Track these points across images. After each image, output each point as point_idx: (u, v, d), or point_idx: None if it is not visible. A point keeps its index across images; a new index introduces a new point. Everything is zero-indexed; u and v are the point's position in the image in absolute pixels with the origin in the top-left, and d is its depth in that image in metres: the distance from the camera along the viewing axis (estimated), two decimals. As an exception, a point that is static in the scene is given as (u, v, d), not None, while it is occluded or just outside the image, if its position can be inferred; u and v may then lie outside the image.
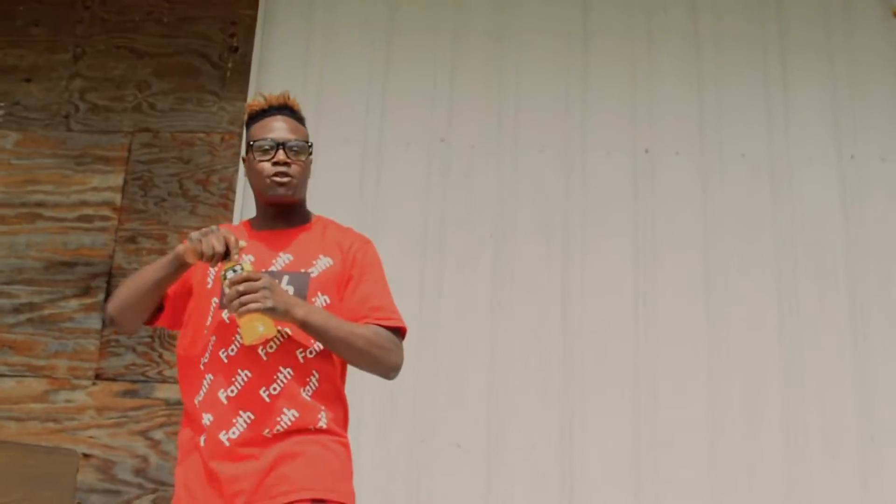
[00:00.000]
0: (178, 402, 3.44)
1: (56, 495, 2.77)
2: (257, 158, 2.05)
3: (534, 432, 3.36)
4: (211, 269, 1.97)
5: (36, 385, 3.55)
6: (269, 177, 2.04)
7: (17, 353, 3.58)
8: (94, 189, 3.73)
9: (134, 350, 3.54)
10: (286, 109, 2.13)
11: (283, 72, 3.79)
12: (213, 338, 1.97)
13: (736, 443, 3.32)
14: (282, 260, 2.04)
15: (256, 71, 3.76)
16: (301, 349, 1.95)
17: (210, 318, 1.99)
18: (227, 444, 1.88)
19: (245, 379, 1.91)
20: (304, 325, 1.88)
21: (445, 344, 3.48)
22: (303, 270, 2.01)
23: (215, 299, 1.99)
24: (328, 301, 2.01)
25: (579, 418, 3.37)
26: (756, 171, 3.59)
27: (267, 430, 1.88)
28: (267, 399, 1.89)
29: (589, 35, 3.80)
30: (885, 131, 3.62)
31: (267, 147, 2.05)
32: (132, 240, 3.66)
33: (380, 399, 3.35)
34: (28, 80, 3.89)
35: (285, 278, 1.98)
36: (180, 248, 1.91)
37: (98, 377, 3.53)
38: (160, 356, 3.52)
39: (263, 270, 1.95)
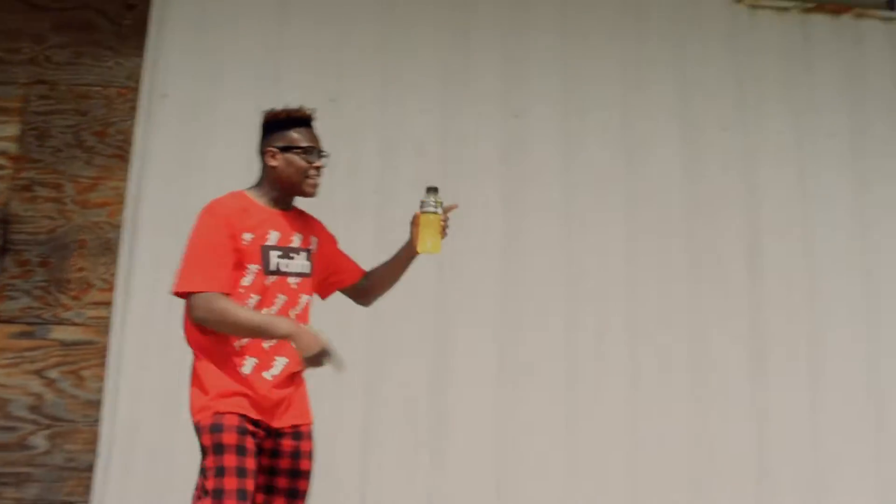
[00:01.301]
0: (74, 343, 3.62)
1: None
2: (303, 160, 2.54)
3: (409, 365, 3.70)
4: (245, 237, 2.43)
5: (-70, 327, 3.64)
6: (309, 178, 2.55)
7: (-88, 297, 3.66)
8: (-10, 138, 3.83)
9: (29, 294, 3.67)
10: (311, 121, 2.62)
11: (180, 29, 3.94)
12: (257, 297, 2.44)
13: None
14: (296, 239, 2.57)
15: (155, 28, 3.92)
16: (307, 314, 2.57)
17: (252, 280, 2.45)
18: (270, 379, 2.44)
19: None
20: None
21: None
22: (308, 248, 2.60)
23: (255, 266, 2.44)
24: (316, 269, 2.62)
25: (452, 346, 3.74)
26: (612, 139, 4.02)
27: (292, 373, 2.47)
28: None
29: (469, 10, 4.12)
30: (726, 104, 4.12)
31: (312, 154, 2.55)
32: (28, 188, 3.78)
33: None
34: (-79, 30, 3.93)
35: (303, 253, 2.56)
36: (294, 340, 2.31)
37: (-7, 319, 3.65)
38: (56, 300, 3.66)
39: (287, 245, 2.52)
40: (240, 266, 2.42)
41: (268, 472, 2.46)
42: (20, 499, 3.50)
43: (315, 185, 2.57)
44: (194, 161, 3.82)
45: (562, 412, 3.72)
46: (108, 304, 3.67)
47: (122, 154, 3.83)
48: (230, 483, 2.27)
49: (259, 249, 2.45)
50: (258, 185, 2.59)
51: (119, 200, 3.78)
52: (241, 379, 2.39)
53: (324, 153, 2.59)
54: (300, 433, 2.52)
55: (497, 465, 3.66)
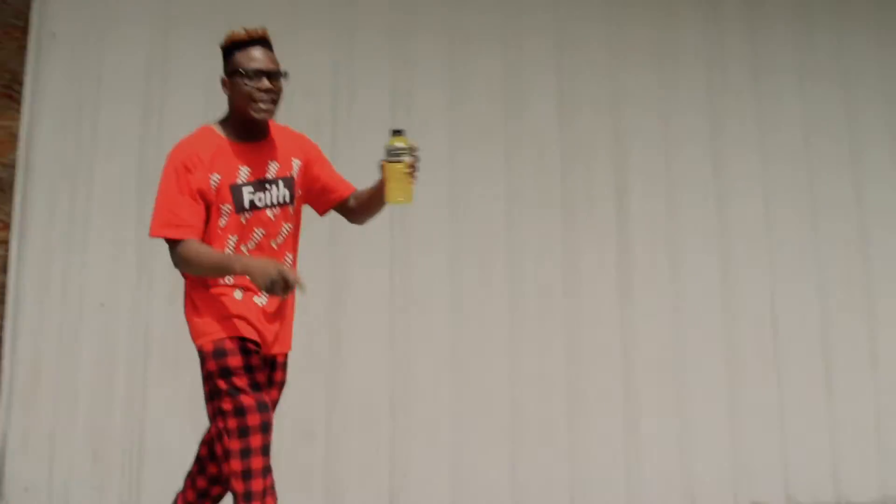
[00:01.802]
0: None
1: None
2: (246, 84, 2.40)
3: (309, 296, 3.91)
4: (213, 178, 2.39)
5: None
6: (256, 101, 2.40)
7: None
8: None
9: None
10: (264, 41, 2.46)
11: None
12: (235, 237, 2.43)
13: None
14: (272, 168, 2.49)
15: (40, -33, 3.90)
16: (294, 240, 2.57)
17: (227, 220, 2.42)
18: (260, 306, 2.44)
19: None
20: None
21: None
22: (288, 175, 2.52)
23: (228, 206, 2.41)
24: (301, 193, 2.56)
25: (349, 278, 3.98)
26: (491, 105, 4.31)
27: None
28: None
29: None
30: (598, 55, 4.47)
31: (253, 75, 2.39)
32: (-88, 128, 3.74)
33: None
34: None
35: (280, 182, 2.48)
36: (249, 275, 2.25)
37: None
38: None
39: (261, 177, 2.45)
40: (215, 207, 2.39)
41: None
42: (-80, 435, 3.56)
43: (263, 110, 2.42)
44: (85, 100, 3.87)
45: (448, 337, 4.02)
46: (3, 242, 3.71)
47: (11, 94, 3.83)
48: (247, 399, 2.29)
49: (229, 189, 2.40)
50: (225, 117, 2.50)
51: (9, 140, 3.80)
52: (237, 303, 2.38)
53: (275, 73, 2.43)
54: (275, 363, 2.52)
55: (390, 386, 3.95)
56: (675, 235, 4.40)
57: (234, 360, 2.32)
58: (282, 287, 2.22)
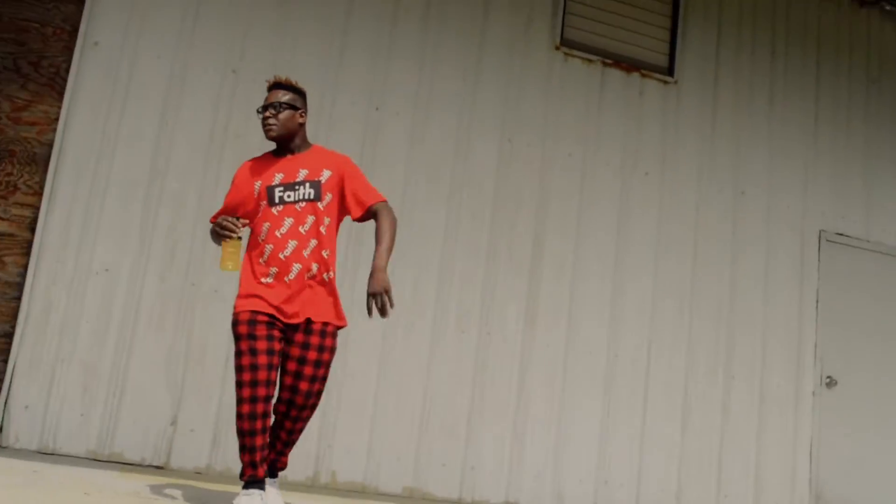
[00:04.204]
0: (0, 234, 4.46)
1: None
2: (260, 116, 3.34)
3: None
4: (256, 185, 3.33)
5: None
6: (263, 128, 3.33)
7: None
8: (-65, 56, 4.52)
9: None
10: (279, 85, 3.37)
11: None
12: (268, 224, 3.25)
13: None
14: (302, 173, 3.28)
15: (93, -18, 4.70)
16: (317, 229, 3.31)
17: (263, 212, 3.28)
18: (287, 283, 3.21)
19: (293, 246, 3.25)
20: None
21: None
22: (316, 179, 3.29)
23: (264, 202, 3.28)
24: (332, 196, 3.30)
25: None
26: (447, 140, 5.18)
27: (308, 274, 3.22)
28: (306, 256, 3.23)
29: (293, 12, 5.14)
30: (534, 125, 5.39)
31: (261, 109, 3.34)
32: (-32, 102, 4.53)
33: (163, 250, 4.61)
34: None
35: (307, 184, 3.26)
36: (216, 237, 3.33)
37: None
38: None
39: (291, 181, 3.26)
40: (258, 203, 3.25)
41: (285, 370, 3.19)
42: (-56, 352, 4.37)
43: (268, 131, 3.30)
44: (115, 100, 4.68)
45: (380, 345, 4.95)
46: (30, 205, 4.52)
47: (52, 84, 4.63)
48: (245, 359, 3.06)
49: (266, 190, 3.25)
50: None
51: (47, 122, 4.61)
52: (259, 285, 3.17)
53: (274, 104, 3.28)
54: (311, 329, 3.19)
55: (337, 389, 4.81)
56: (575, 279, 5.33)
57: (242, 329, 3.12)
58: (226, 231, 3.19)
